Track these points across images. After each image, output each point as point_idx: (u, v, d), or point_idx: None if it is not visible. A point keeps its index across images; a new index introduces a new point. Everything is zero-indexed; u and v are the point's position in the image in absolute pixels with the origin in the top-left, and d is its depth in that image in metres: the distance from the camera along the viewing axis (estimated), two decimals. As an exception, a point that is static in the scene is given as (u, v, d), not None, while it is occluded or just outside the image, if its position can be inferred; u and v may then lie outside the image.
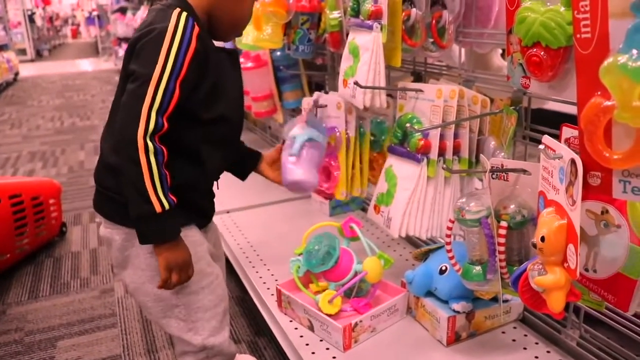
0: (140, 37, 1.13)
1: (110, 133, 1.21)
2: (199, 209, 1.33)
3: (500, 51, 1.81)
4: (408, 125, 1.40)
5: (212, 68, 1.19)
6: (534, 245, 0.92)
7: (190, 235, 1.27)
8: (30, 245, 2.53)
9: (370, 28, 1.38)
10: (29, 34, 13.19)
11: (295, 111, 2.65)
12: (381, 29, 1.37)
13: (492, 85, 1.51)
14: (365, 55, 1.41)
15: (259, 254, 1.86)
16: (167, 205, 1.11)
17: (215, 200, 1.39)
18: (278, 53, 2.32)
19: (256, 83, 2.30)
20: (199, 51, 1.14)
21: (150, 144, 1.09)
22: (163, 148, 1.12)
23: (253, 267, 1.78)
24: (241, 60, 2.46)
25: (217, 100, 1.21)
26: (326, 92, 1.73)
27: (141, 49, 1.13)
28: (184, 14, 1.14)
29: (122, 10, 8.83)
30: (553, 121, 1.35)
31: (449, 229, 1.21)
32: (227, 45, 1.49)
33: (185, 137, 1.20)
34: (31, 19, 13.65)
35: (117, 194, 1.20)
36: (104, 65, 12.00)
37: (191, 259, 1.22)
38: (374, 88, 1.39)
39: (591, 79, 0.77)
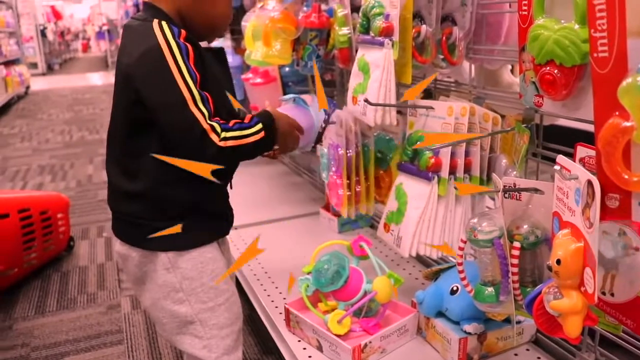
0: (137, 64, 1.12)
1: (115, 159, 1.24)
2: (219, 216, 1.33)
3: (510, 67, 1.80)
4: (419, 143, 1.38)
5: (206, 65, 1.18)
6: (549, 268, 0.90)
7: (209, 252, 1.27)
8: (38, 259, 2.52)
9: (381, 45, 1.37)
10: (40, 48, 13.31)
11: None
12: (392, 45, 1.36)
13: (503, 102, 1.49)
14: (376, 72, 1.40)
15: (267, 271, 1.84)
16: (259, 129, 1.17)
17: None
18: (287, 69, 2.31)
19: (265, 99, 2.29)
20: (195, 51, 1.14)
21: (224, 133, 1.12)
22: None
23: (261, 284, 1.76)
24: (249, 76, 2.46)
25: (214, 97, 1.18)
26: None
27: (149, 77, 1.12)
28: (164, 23, 1.13)
29: (132, 25, 8.89)
30: (565, 138, 1.33)
31: (461, 249, 1.18)
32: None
33: None
34: (43, 33, 13.79)
35: (134, 218, 1.23)
36: (113, 79, 12.07)
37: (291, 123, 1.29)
38: (385, 105, 1.38)
39: (609, 98, 0.75)
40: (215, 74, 1.22)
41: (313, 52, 1.91)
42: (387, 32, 1.36)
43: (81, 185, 4.07)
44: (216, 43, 3.15)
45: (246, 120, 1.19)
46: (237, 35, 3.13)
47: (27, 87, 9.98)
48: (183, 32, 1.14)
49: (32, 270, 2.52)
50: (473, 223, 1.15)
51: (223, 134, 1.12)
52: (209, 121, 1.11)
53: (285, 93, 2.35)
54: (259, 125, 1.18)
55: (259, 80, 2.34)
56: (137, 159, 1.18)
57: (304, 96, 1.45)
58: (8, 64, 9.10)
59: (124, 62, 1.16)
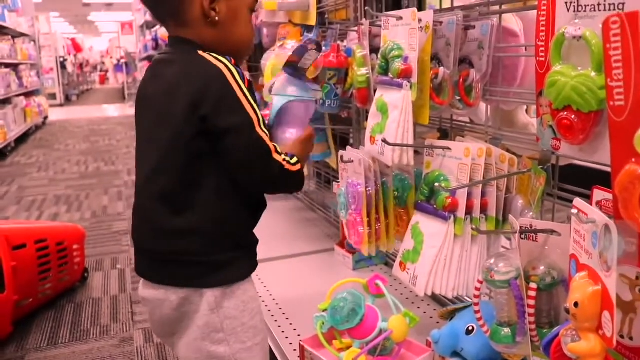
0: (204, 91, 1.12)
1: (160, 196, 1.18)
2: (255, 248, 1.33)
3: (525, 107, 1.82)
4: (437, 184, 1.40)
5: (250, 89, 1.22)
6: (567, 311, 0.90)
7: (250, 290, 1.28)
8: (53, 290, 2.54)
9: (399, 86, 1.40)
10: (59, 79, 13.58)
11: (320, 163, 2.67)
12: (411, 87, 1.39)
13: (520, 143, 1.51)
14: (394, 113, 1.42)
15: (281, 307, 1.84)
16: (297, 161, 1.23)
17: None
18: (304, 106, 2.35)
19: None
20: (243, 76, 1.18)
21: (281, 156, 1.19)
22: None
23: (275, 321, 1.76)
24: (267, 112, 2.49)
25: None
26: (351, 146, 1.74)
27: (218, 103, 1.12)
28: (211, 54, 1.16)
29: (150, 59, 9.08)
30: (581, 177, 1.35)
31: (477, 289, 1.19)
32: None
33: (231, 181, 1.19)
34: (63, 65, 14.09)
35: (181, 256, 1.19)
36: (129, 110, 12.27)
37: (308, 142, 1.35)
38: (402, 145, 1.40)
39: (626, 146, 0.77)
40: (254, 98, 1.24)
41: (331, 91, 1.94)
42: (405, 74, 1.39)
43: (96, 217, 4.11)
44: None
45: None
46: (254, 72, 3.20)
47: (45, 118, 10.17)
48: (232, 59, 1.17)
49: (47, 301, 2.54)
50: (490, 264, 1.15)
51: (283, 156, 1.19)
52: (270, 142, 1.16)
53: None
54: (296, 158, 1.24)
55: (276, 117, 2.38)
56: (193, 192, 1.17)
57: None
58: (28, 94, 9.30)
59: (182, 91, 1.14)
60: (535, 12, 1.53)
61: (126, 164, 6.14)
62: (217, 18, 1.20)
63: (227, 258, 1.22)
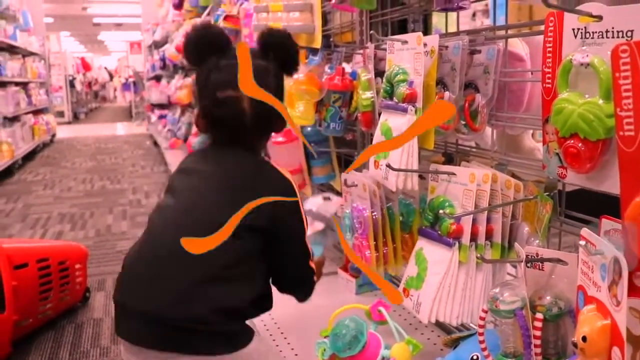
0: (279, 204, 1.20)
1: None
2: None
3: (531, 132, 1.81)
4: (441, 211, 1.38)
5: None
6: (575, 345, 0.88)
7: (263, 345, 1.34)
8: (53, 310, 2.52)
9: (404, 111, 1.39)
10: (68, 97, 13.69)
11: (324, 186, 2.66)
12: (416, 111, 1.38)
13: (525, 169, 1.50)
14: (398, 137, 1.41)
15: (282, 330, 1.81)
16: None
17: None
18: (309, 129, 2.34)
19: (286, 157, 2.31)
20: None
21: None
22: None
23: (277, 345, 1.73)
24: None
25: None
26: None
27: (286, 217, 1.28)
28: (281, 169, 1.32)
29: (157, 78, 9.14)
30: (589, 202, 1.33)
31: (482, 319, 1.16)
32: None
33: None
34: (72, 84, 14.21)
35: (199, 324, 1.18)
36: (136, 129, 12.33)
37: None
38: (406, 171, 1.39)
39: (636, 176, 0.75)
40: None
41: (336, 114, 1.94)
42: (410, 99, 1.38)
43: (100, 235, 4.10)
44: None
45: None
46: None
47: (53, 135, 10.22)
48: None
49: (47, 321, 2.52)
50: (494, 293, 1.13)
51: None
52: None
53: (306, 152, 2.38)
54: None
55: (280, 139, 2.37)
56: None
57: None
58: (36, 112, 9.36)
59: (258, 190, 1.24)
60: (541, 36, 1.54)
61: (131, 182, 6.15)
62: None
63: (237, 325, 1.25)
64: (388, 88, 1.48)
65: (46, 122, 9.52)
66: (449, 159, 1.77)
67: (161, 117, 8.41)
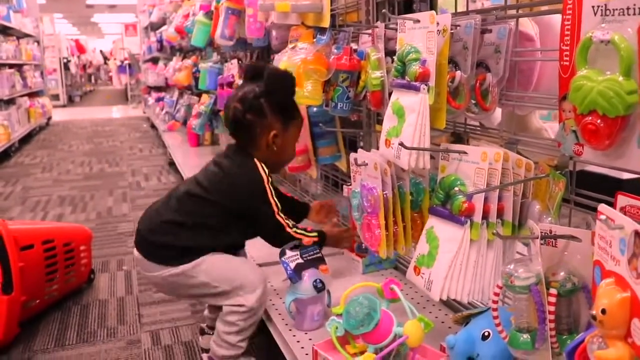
0: (247, 186, 1.82)
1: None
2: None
3: (538, 112, 1.82)
4: (456, 188, 1.38)
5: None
6: (594, 317, 0.89)
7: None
8: (59, 291, 2.53)
9: (417, 89, 1.39)
10: (63, 80, 13.59)
11: (327, 166, 2.66)
12: (428, 90, 1.38)
13: (534, 148, 1.50)
14: (411, 117, 1.41)
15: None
16: (315, 234, 1.87)
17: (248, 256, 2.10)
18: (315, 109, 2.34)
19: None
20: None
21: (288, 222, 1.84)
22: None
23: (286, 324, 1.75)
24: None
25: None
26: (362, 149, 1.74)
27: (253, 196, 1.81)
28: (259, 164, 1.82)
29: (154, 60, 9.08)
30: (594, 184, 1.34)
31: (496, 294, 1.18)
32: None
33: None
34: (66, 66, 14.09)
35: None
36: (132, 112, 12.28)
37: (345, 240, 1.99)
38: (419, 149, 1.39)
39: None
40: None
41: (343, 94, 1.93)
42: (423, 77, 1.38)
43: (101, 218, 4.10)
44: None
45: (308, 229, 1.88)
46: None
47: (49, 118, 10.18)
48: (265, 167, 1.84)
49: (53, 302, 2.53)
50: (509, 269, 1.14)
51: (294, 228, 1.84)
52: (284, 220, 1.83)
53: (312, 132, 2.38)
54: (315, 233, 1.87)
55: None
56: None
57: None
58: (32, 95, 9.30)
59: (236, 175, 1.84)
60: (551, 16, 1.54)
61: (130, 165, 6.13)
62: (275, 148, 1.86)
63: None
64: (400, 67, 1.48)
65: (42, 105, 9.46)
66: (458, 139, 1.78)
67: (158, 99, 8.36)
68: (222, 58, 4.18)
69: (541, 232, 1.13)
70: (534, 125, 1.85)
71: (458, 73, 1.44)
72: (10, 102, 7.82)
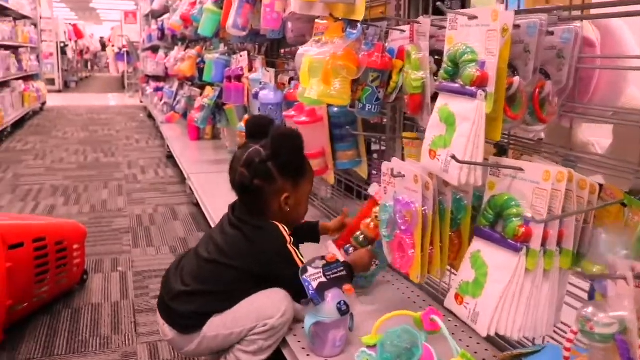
0: (273, 249, 1.67)
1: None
2: None
3: (584, 125, 1.65)
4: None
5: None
6: None
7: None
8: (49, 294, 2.34)
9: (472, 95, 1.21)
10: (59, 65, 13.34)
11: (346, 172, 2.48)
12: (486, 97, 1.20)
13: (598, 169, 1.33)
14: (463, 126, 1.24)
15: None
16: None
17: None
18: (335, 109, 2.16)
19: (309, 139, 2.11)
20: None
21: None
22: None
23: (303, 348, 1.58)
24: (292, 113, 2.31)
25: None
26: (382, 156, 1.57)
27: (281, 255, 1.66)
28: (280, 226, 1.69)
29: (154, 49, 8.85)
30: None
31: (570, 341, 1.00)
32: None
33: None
34: (63, 51, 13.84)
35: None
36: (129, 101, 12.05)
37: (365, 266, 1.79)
38: (474, 164, 1.22)
39: None
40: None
41: (372, 94, 1.76)
42: (481, 82, 1.21)
43: (95, 211, 3.90)
44: (254, 75, 3.01)
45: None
46: (270, 67, 3.00)
47: (43, 103, 9.95)
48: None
49: (42, 305, 2.34)
50: (587, 313, 0.97)
51: None
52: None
53: (331, 134, 2.19)
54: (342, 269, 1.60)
55: (304, 118, 2.19)
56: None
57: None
58: (27, 78, 9.06)
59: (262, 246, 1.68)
60: (610, 20, 1.37)
61: (126, 156, 5.93)
62: (288, 209, 1.73)
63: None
64: (450, 69, 1.31)
65: (37, 89, 9.23)
66: (501, 152, 1.61)
67: (157, 89, 8.15)
68: (229, 49, 3.99)
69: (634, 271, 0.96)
70: (578, 138, 1.69)
71: (516, 79, 1.26)
72: (4, 84, 7.60)
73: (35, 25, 10.75)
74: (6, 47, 7.94)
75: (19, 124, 7.79)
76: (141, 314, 2.36)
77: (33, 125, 8.13)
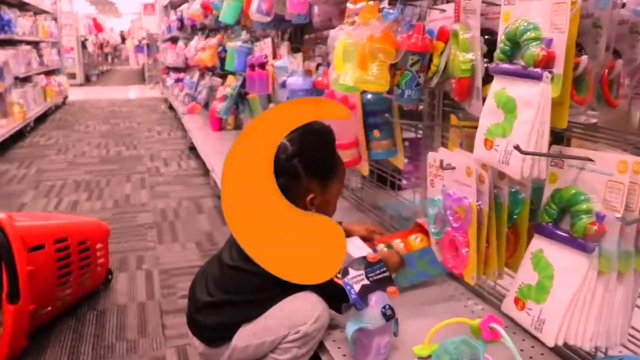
0: None
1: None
2: None
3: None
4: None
5: None
6: None
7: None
8: (73, 296, 2.25)
9: (537, 78, 1.07)
10: (80, 59, 13.35)
11: (379, 162, 2.35)
12: (552, 79, 1.06)
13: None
14: (526, 112, 1.10)
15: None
16: None
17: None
18: (369, 96, 2.03)
19: (341, 129, 1.98)
20: None
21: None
22: None
23: (344, 355, 1.46)
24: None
25: None
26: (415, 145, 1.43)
27: None
28: None
29: (173, 40, 8.77)
30: None
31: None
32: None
33: None
34: (83, 45, 13.86)
35: None
36: (149, 92, 12.02)
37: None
38: (538, 154, 1.08)
39: None
40: None
41: (412, 79, 1.62)
42: (546, 62, 1.06)
43: (118, 206, 3.82)
44: (280, 62, 2.87)
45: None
46: (296, 52, 2.87)
47: (65, 98, 9.94)
48: None
49: (66, 308, 2.25)
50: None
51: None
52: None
53: (365, 123, 2.06)
54: None
55: (335, 107, 2.05)
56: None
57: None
58: (48, 73, 9.05)
59: None
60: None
61: (148, 148, 5.86)
62: (313, 210, 1.59)
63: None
64: (508, 48, 1.17)
65: (58, 84, 9.22)
66: (558, 141, 1.46)
67: (177, 80, 8.07)
68: (251, 37, 3.86)
69: None
70: (635, 124, 1.53)
71: (584, 58, 1.11)
72: (26, 80, 7.57)
73: (56, 20, 10.75)
74: (27, 42, 7.91)
75: (41, 119, 7.77)
76: (168, 315, 2.26)
77: (55, 119, 8.11)
